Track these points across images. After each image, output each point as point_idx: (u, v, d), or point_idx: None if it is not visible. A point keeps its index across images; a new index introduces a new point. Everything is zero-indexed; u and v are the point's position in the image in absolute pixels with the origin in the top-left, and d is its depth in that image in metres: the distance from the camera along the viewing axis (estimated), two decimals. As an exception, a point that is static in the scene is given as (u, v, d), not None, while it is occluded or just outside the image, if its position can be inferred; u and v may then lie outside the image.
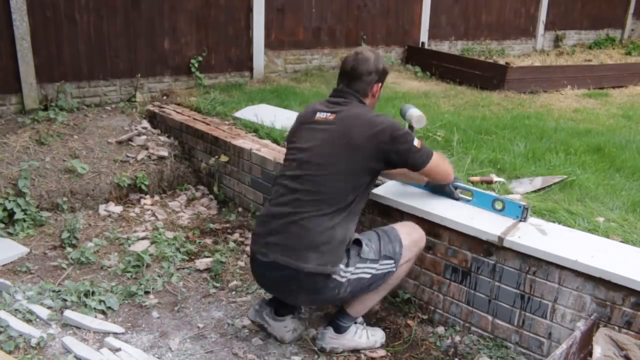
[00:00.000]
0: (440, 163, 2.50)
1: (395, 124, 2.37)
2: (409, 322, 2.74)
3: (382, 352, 2.54)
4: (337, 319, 2.52)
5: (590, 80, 6.34)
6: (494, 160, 3.37)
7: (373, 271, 2.37)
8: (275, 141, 3.80)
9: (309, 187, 2.30)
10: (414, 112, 2.70)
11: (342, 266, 2.29)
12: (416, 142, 2.38)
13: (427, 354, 2.54)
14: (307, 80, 5.98)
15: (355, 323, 2.57)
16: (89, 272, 3.12)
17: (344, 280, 2.30)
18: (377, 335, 2.59)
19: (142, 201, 4.07)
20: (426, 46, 7.48)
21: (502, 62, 6.62)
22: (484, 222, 2.48)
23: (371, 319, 2.79)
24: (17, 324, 2.53)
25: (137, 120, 4.74)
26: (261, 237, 2.36)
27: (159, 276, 3.07)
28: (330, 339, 2.51)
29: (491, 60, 7.08)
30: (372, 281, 2.38)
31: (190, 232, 3.63)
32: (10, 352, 2.36)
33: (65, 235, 3.39)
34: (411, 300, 2.83)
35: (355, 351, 2.53)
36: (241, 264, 3.26)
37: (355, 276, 2.33)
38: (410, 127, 2.71)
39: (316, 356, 2.50)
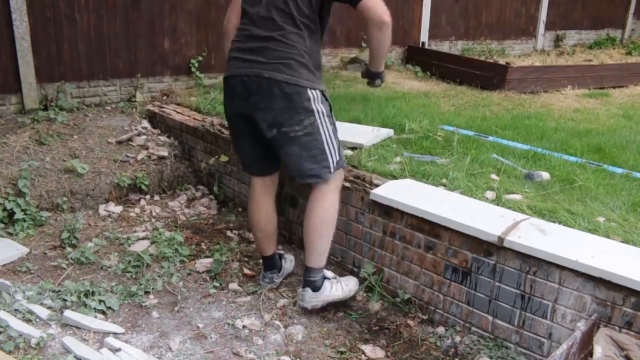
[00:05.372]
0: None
1: None
2: (409, 322, 2.74)
3: (381, 354, 2.54)
4: (307, 277, 2.76)
5: (591, 80, 6.33)
6: (493, 161, 3.36)
7: (329, 139, 2.68)
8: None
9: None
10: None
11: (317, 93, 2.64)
12: None
13: (427, 354, 2.54)
14: (307, 80, 5.96)
15: (328, 279, 2.80)
16: (89, 272, 3.12)
17: (314, 108, 2.63)
18: (350, 284, 2.87)
19: (142, 201, 4.07)
20: (426, 46, 7.47)
21: (502, 62, 6.61)
22: (484, 222, 2.48)
23: (371, 319, 2.79)
24: (17, 324, 2.53)
25: (137, 120, 4.74)
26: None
27: (159, 276, 3.07)
28: (310, 298, 2.75)
29: (491, 60, 7.06)
30: (321, 149, 2.66)
31: (190, 232, 3.62)
32: (10, 352, 2.36)
33: (65, 235, 3.39)
34: (411, 301, 2.83)
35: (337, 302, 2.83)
36: (240, 264, 3.26)
37: (320, 120, 2.65)
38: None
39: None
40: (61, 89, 4.75)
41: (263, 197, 2.95)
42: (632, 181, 3.13)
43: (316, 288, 2.75)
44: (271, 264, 3.02)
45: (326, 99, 2.70)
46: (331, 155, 2.70)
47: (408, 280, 2.83)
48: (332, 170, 2.70)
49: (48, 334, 2.51)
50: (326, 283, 2.79)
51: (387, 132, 3.81)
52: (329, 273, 2.86)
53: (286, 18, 2.58)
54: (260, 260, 3.16)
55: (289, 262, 3.12)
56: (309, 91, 2.59)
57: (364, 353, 2.54)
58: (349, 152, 3.48)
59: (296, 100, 2.58)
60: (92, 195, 3.93)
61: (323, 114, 2.65)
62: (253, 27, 2.64)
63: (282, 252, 3.16)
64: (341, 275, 2.99)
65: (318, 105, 2.63)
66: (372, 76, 3.01)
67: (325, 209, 2.74)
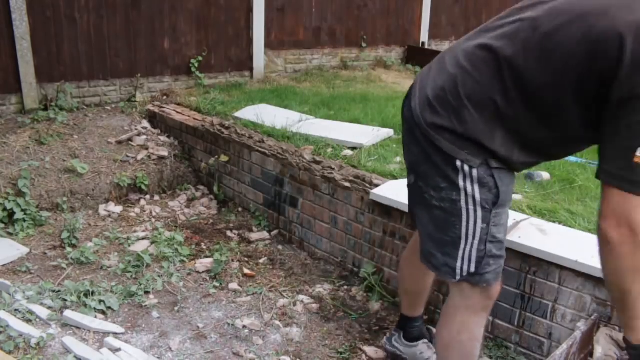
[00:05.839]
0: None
1: None
2: (409, 322, 2.74)
3: (382, 355, 2.54)
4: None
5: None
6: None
7: (470, 237, 1.83)
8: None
9: None
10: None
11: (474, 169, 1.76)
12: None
13: (427, 354, 2.53)
14: (308, 80, 5.97)
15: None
16: (89, 272, 3.12)
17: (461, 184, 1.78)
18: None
19: (142, 201, 4.07)
20: (426, 46, 7.47)
21: (502, 62, 6.60)
22: (484, 222, 2.48)
23: (371, 319, 2.79)
24: (17, 324, 2.53)
25: (137, 120, 4.74)
26: None
27: (159, 276, 3.07)
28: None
29: (491, 60, 7.07)
30: (452, 239, 1.85)
31: (190, 232, 3.62)
32: (10, 352, 2.36)
33: (65, 235, 3.39)
34: (411, 301, 2.83)
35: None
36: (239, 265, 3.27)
37: (466, 205, 1.80)
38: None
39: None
40: (61, 89, 4.75)
41: (412, 251, 2.27)
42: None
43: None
44: (403, 321, 2.44)
45: (496, 186, 1.78)
46: (463, 258, 1.86)
47: (408, 280, 2.83)
48: (456, 276, 1.89)
49: (48, 334, 2.50)
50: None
51: (387, 132, 3.81)
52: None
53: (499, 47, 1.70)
54: (261, 261, 3.17)
55: (425, 348, 2.42)
56: (457, 161, 1.77)
57: (365, 353, 2.54)
58: (349, 152, 3.48)
59: (436, 159, 1.82)
60: (92, 195, 3.93)
61: (474, 201, 1.79)
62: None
63: (430, 328, 2.50)
64: (346, 279, 2.96)
65: (468, 185, 1.78)
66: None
67: (451, 333, 1.97)
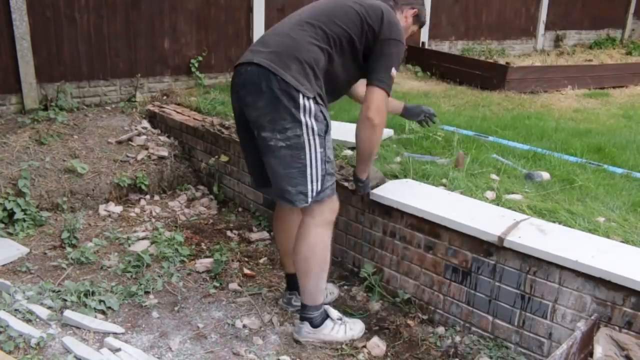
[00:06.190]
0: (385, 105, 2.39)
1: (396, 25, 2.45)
2: (409, 322, 2.74)
3: (383, 347, 2.54)
4: (303, 314, 2.55)
5: (591, 80, 6.33)
6: (493, 161, 3.36)
7: (313, 162, 2.32)
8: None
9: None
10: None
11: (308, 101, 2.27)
12: (394, 69, 2.38)
13: (427, 354, 2.53)
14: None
15: (332, 319, 2.57)
16: (89, 272, 3.12)
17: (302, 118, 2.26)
18: (355, 329, 2.62)
19: (142, 201, 4.07)
20: (426, 46, 7.47)
21: (502, 62, 6.61)
22: (484, 222, 2.48)
23: (371, 319, 2.79)
24: (17, 324, 2.53)
25: (137, 120, 4.74)
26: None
27: (159, 276, 3.07)
28: (307, 333, 2.55)
29: (491, 60, 7.07)
30: (300, 170, 2.31)
31: (190, 232, 3.62)
32: (10, 352, 2.36)
33: (65, 235, 3.39)
34: (411, 301, 2.83)
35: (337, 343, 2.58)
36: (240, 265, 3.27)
37: (308, 137, 2.30)
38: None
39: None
40: (61, 89, 4.75)
41: (286, 211, 2.66)
42: (632, 181, 3.13)
43: (315, 325, 2.54)
44: (292, 282, 2.71)
45: (324, 118, 2.34)
46: (312, 182, 2.33)
47: (408, 280, 2.83)
48: (308, 199, 2.35)
49: (48, 334, 2.51)
50: (328, 322, 2.56)
51: (387, 132, 3.81)
52: (334, 313, 2.60)
53: (313, 28, 2.35)
54: (261, 261, 3.16)
55: (330, 286, 2.85)
56: (301, 97, 2.23)
57: (365, 347, 2.55)
58: (349, 152, 3.48)
59: (284, 102, 2.23)
60: (92, 195, 3.93)
61: (313, 131, 2.28)
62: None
63: None
64: (346, 279, 2.98)
65: (308, 119, 2.26)
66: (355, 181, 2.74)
67: (309, 247, 2.42)
